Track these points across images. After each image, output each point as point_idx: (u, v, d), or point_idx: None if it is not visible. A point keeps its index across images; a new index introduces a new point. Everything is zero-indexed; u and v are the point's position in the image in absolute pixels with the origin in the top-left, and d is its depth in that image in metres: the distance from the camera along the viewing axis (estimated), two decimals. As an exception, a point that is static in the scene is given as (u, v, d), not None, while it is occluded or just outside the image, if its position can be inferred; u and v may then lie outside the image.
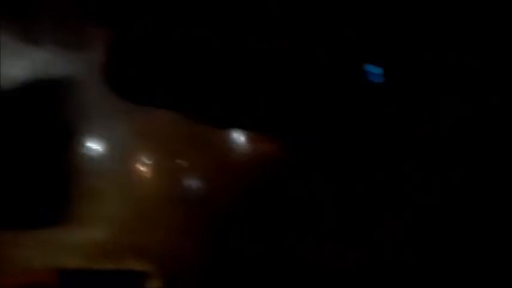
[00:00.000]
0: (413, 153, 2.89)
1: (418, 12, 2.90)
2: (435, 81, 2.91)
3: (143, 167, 2.91)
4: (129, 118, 2.89)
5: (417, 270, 2.81)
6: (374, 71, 2.88)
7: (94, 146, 2.89)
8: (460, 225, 2.81)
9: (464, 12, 2.87)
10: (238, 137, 2.94)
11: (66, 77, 2.87)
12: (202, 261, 2.85)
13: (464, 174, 2.84)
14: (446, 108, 2.88)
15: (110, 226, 2.83)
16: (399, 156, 2.89)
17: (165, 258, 2.84)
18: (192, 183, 2.91)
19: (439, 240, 2.82)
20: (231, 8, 2.89)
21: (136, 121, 2.90)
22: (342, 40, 2.90)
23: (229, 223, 2.87)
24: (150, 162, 2.91)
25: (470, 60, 2.88)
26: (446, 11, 2.88)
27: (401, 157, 2.89)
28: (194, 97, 2.92)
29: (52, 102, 2.88)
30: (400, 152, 2.90)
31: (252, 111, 2.93)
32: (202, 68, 2.91)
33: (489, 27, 2.87)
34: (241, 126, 2.95)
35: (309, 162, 2.92)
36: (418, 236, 2.82)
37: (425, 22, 2.90)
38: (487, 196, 2.82)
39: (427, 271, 2.81)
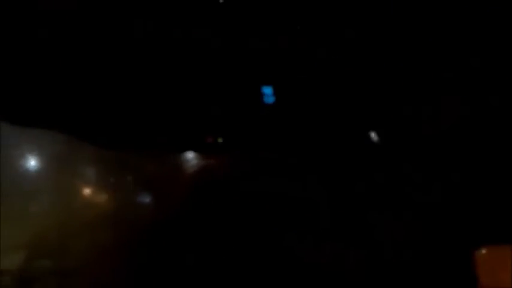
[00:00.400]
0: (414, 153, 2.89)
1: (418, 11, 2.90)
2: (435, 81, 2.91)
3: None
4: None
5: (417, 271, 2.81)
6: (266, 91, 2.86)
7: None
8: (460, 225, 2.81)
9: (463, 12, 2.87)
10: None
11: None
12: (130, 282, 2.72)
13: (464, 174, 2.85)
14: (446, 108, 2.88)
15: (26, 252, 2.64)
16: (399, 156, 2.90)
17: (91, 284, 2.68)
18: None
19: (439, 240, 2.82)
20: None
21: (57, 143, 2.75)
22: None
23: (166, 240, 2.76)
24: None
25: (470, 60, 2.88)
26: (446, 11, 2.88)
27: (402, 157, 2.89)
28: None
29: None
30: (400, 152, 2.90)
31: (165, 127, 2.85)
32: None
33: (489, 27, 2.87)
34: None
35: (305, 164, 2.91)
36: (418, 236, 2.82)
37: (424, 22, 2.91)
38: (487, 196, 2.82)
39: (427, 271, 2.81)
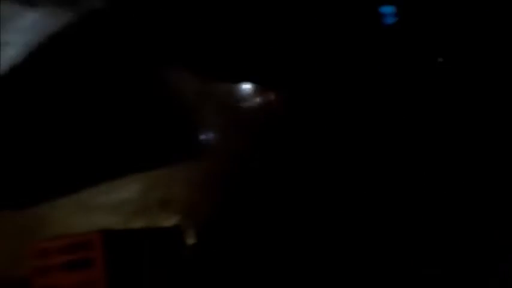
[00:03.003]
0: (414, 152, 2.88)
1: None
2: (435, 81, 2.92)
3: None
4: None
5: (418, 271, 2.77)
6: (387, 11, 2.88)
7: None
8: (460, 224, 2.80)
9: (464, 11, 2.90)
10: (245, 90, 3.05)
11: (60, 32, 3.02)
12: (219, 214, 2.97)
13: (464, 173, 2.84)
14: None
15: (139, 184, 2.98)
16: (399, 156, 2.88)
17: (187, 211, 2.94)
18: (206, 139, 3.06)
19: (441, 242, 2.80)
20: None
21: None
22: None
23: (245, 176, 2.96)
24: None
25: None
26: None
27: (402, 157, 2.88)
28: (202, 54, 2.98)
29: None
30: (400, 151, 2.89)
31: (257, 64, 2.99)
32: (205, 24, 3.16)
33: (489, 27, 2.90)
34: (247, 79, 3.02)
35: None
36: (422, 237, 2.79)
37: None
38: (487, 196, 2.81)
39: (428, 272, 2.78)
